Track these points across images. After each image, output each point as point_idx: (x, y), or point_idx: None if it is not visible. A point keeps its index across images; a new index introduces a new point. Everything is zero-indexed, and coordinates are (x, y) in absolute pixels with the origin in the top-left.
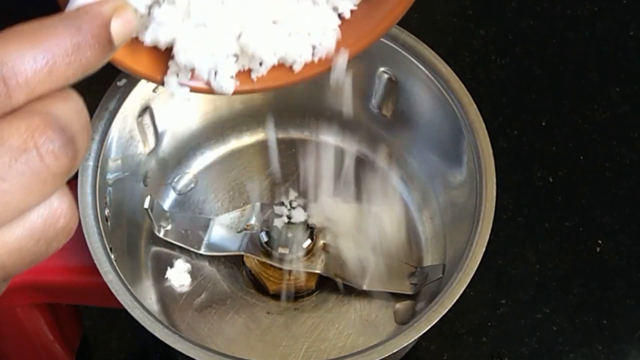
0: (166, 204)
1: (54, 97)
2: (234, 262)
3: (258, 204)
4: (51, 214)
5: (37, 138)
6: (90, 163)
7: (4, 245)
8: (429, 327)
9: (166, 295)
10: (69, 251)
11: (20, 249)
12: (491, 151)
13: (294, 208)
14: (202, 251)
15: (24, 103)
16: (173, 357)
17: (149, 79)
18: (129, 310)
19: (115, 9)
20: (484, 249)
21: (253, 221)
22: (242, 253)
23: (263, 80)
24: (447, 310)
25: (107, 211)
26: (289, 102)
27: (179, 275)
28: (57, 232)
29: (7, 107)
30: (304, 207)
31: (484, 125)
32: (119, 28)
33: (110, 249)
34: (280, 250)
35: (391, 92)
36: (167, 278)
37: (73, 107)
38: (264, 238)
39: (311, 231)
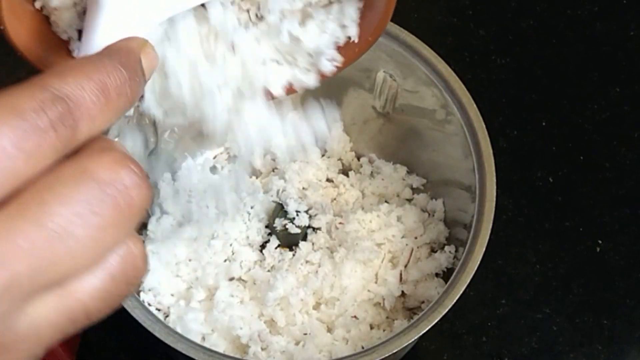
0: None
1: (109, 139)
2: None
3: None
4: (129, 253)
5: (123, 173)
6: None
7: (88, 290)
8: (429, 327)
9: None
10: None
11: (102, 292)
12: (491, 151)
13: None
14: None
15: (87, 137)
16: (173, 357)
17: None
18: (129, 310)
19: (141, 45)
20: (484, 249)
21: None
22: None
23: None
24: (447, 310)
25: None
26: None
27: None
28: (136, 272)
29: (75, 142)
30: None
31: (484, 125)
32: (146, 63)
33: None
34: None
35: (391, 92)
36: None
37: (122, 145)
38: None
39: None
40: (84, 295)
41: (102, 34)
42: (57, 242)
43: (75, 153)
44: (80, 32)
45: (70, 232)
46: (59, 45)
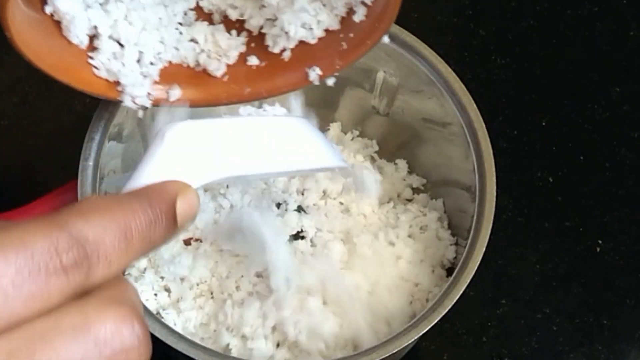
0: None
1: (124, 282)
2: None
3: None
4: None
5: (125, 334)
6: (90, 163)
7: None
8: (429, 327)
9: None
10: None
11: None
12: (491, 151)
13: None
14: None
15: (101, 281)
16: (173, 357)
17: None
18: None
19: (180, 189)
20: (484, 249)
21: None
22: None
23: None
24: (447, 310)
25: None
26: None
27: None
28: None
29: (87, 287)
30: None
31: (484, 125)
32: (183, 209)
33: None
34: None
35: (391, 92)
36: None
37: (134, 291)
38: None
39: None
40: None
41: (151, 173)
42: None
43: (84, 294)
44: (91, 38)
45: None
46: (68, 50)
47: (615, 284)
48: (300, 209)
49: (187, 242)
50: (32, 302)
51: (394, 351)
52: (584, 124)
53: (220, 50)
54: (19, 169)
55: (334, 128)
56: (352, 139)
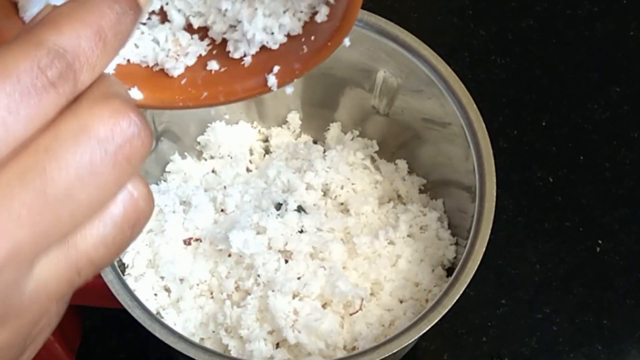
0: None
1: (107, 77)
2: None
3: None
4: (130, 198)
5: (124, 126)
6: None
7: (92, 241)
8: (429, 327)
9: None
10: None
11: (105, 240)
12: (491, 151)
13: None
14: None
15: (88, 84)
16: (173, 357)
17: None
18: (129, 310)
19: None
20: (484, 249)
21: None
22: None
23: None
24: (447, 310)
25: None
26: None
27: None
28: (138, 214)
29: (76, 92)
30: None
31: (484, 125)
32: None
33: None
34: None
35: (391, 92)
36: None
37: (120, 83)
38: None
39: None
40: (88, 246)
41: None
42: (58, 206)
43: (76, 100)
44: None
45: (71, 195)
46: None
47: (615, 284)
48: (300, 209)
49: (187, 242)
50: (32, 123)
51: (394, 351)
52: (584, 124)
53: (180, 50)
54: None
55: (334, 128)
56: (352, 139)
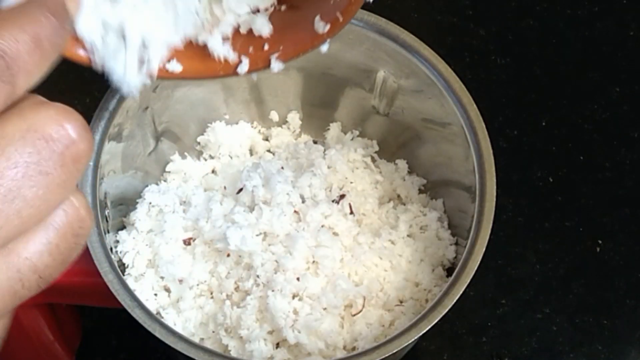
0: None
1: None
2: None
3: None
4: (71, 206)
5: (70, 127)
6: (90, 163)
7: (36, 249)
8: (429, 327)
9: None
10: None
11: (50, 249)
12: (491, 151)
13: None
14: None
15: (25, 91)
16: (173, 357)
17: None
18: (129, 310)
19: None
20: (484, 249)
21: None
22: None
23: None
24: (447, 310)
25: (107, 211)
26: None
27: None
28: (81, 223)
29: (14, 97)
30: None
31: (484, 125)
32: (71, 5)
33: (111, 249)
34: None
35: (391, 92)
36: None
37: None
38: None
39: None
40: (32, 254)
41: None
42: (5, 205)
43: (12, 107)
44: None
45: (19, 194)
46: None
47: (615, 284)
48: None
49: (186, 242)
50: None
51: (394, 351)
52: (584, 124)
53: (215, 20)
54: None
55: (334, 128)
56: (352, 139)
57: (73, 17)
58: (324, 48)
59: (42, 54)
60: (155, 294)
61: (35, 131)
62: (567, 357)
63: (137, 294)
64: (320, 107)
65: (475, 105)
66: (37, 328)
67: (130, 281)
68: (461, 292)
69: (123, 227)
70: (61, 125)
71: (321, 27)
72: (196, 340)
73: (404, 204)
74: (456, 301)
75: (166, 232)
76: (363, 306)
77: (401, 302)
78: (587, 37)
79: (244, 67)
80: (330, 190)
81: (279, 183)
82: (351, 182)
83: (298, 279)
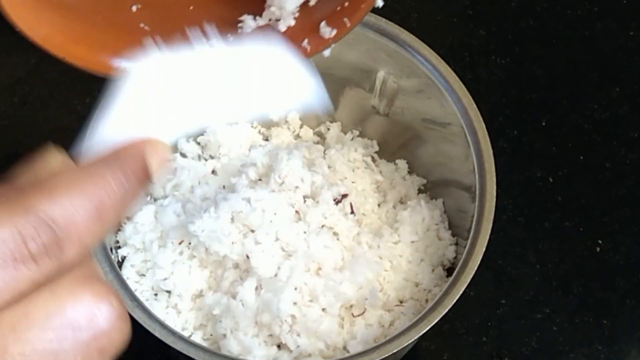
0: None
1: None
2: None
3: None
4: None
5: (102, 313)
6: None
7: None
8: (429, 327)
9: None
10: None
11: None
12: (491, 151)
13: None
14: None
15: (75, 261)
16: (173, 357)
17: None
18: (129, 311)
19: (149, 145)
20: (484, 249)
21: None
22: None
23: None
24: (447, 310)
25: None
26: None
27: None
28: None
29: (59, 270)
30: None
31: (484, 125)
32: (155, 165)
33: (111, 249)
34: None
35: (391, 92)
36: None
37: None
38: None
39: None
40: None
41: (112, 126)
42: None
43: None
44: None
45: None
46: (66, 21)
47: (615, 284)
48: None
49: (185, 244)
50: (1, 295)
51: (394, 351)
52: (584, 124)
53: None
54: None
55: (334, 128)
56: (352, 139)
57: (152, 179)
58: (327, 52)
59: (102, 221)
60: (156, 294)
61: (63, 315)
62: (567, 357)
63: (137, 294)
64: None
65: (475, 105)
66: None
67: (130, 281)
68: (461, 292)
69: (123, 228)
70: (94, 312)
71: (327, 32)
72: (196, 340)
73: (404, 204)
74: (456, 301)
75: (165, 233)
76: (365, 308)
77: (401, 302)
78: (587, 37)
79: None
80: (330, 190)
81: (284, 161)
82: (352, 182)
83: (298, 279)
